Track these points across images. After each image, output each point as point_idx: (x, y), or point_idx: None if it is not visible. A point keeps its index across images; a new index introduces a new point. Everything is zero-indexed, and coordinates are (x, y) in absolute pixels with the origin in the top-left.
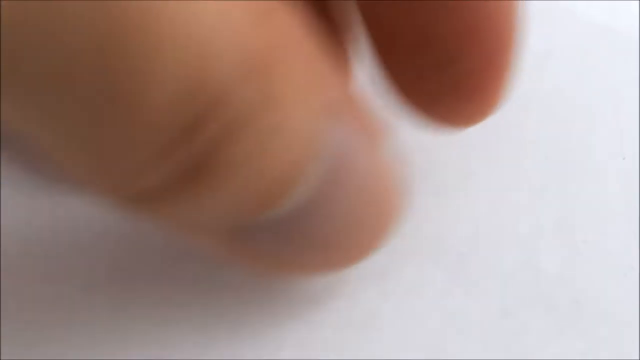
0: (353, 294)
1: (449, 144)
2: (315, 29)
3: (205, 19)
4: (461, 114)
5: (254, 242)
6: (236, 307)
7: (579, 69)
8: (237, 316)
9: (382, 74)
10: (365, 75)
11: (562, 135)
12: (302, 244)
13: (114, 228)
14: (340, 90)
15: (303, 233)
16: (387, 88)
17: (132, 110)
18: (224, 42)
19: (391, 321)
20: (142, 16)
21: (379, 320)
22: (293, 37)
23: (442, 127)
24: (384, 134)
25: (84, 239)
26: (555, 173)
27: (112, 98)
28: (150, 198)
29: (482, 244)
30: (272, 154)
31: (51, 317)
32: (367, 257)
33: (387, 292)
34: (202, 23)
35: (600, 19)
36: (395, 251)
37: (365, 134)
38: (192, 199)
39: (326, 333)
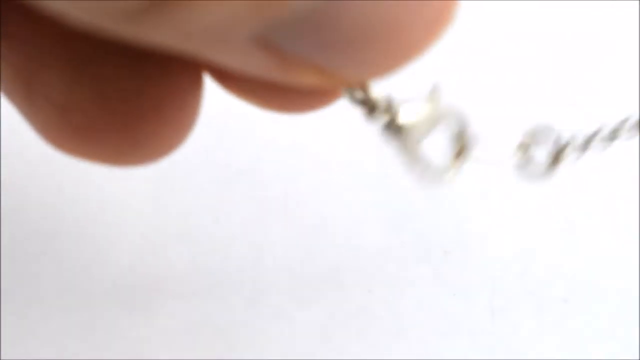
0: (337, 294)
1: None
2: None
3: None
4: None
5: (290, 45)
6: (223, 305)
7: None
8: (224, 314)
9: None
10: None
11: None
12: (336, 40)
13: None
14: None
15: (338, 24)
16: None
17: None
18: None
19: (376, 320)
20: None
21: (364, 320)
22: None
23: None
24: None
25: (85, 240)
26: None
27: None
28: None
29: (467, 242)
30: None
31: (52, 319)
32: (415, 55)
33: (372, 290)
34: None
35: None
36: (379, 249)
37: None
38: None
39: (311, 333)
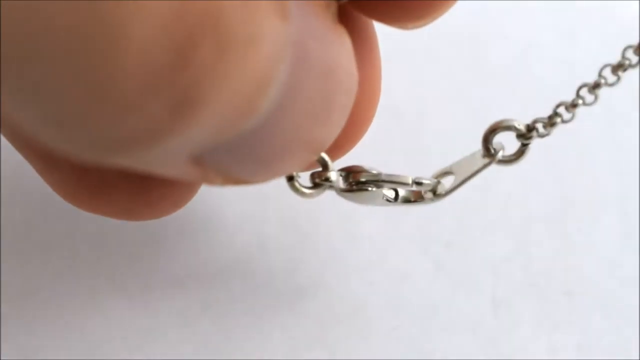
0: (339, 286)
1: (435, 132)
2: None
3: None
4: None
5: (218, 162)
6: (223, 300)
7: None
8: (224, 309)
9: None
10: None
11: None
12: (253, 158)
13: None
14: None
15: (273, 139)
16: None
17: (117, 38)
18: None
19: (378, 313)
20: None
21: (366, 312)
22: None
23: None
24: (342, 33)
25: (85, 240)
26: (547, 163)
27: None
28: (135, 142)
29: (468, 234)
30: (252, 59)
31: (52, 318)
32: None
33: (374, 283)
34: None
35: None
36: (380, 241)
37: (324, 32)
38: (183, 131)
39: (312, 325)
